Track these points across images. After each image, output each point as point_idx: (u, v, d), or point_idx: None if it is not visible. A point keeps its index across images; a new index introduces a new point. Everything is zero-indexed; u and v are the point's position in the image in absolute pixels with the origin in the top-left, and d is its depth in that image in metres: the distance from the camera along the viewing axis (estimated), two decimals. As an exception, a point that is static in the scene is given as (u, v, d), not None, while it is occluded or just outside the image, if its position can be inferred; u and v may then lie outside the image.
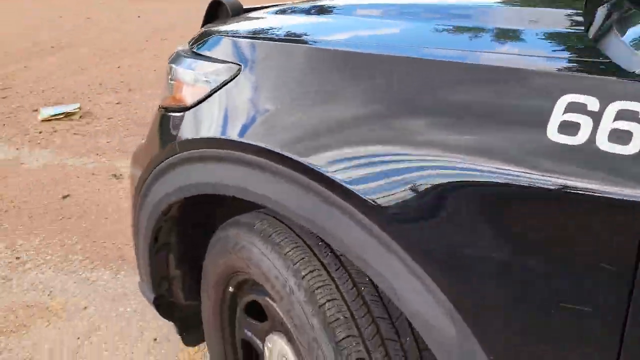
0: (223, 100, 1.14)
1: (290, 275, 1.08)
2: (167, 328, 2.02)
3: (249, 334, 1.41)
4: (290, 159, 0.95)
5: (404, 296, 0.88)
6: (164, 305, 1.58)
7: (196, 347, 1.92)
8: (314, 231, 0.99)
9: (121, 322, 2.06)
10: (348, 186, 0.87)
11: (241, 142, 1.04)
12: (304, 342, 1.06)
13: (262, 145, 0.99)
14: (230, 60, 1.16)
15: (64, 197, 2.99)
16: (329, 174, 0.89)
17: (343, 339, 1.02)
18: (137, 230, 1.49)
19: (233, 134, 1.07)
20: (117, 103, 4.46)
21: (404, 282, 0.87)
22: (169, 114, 1.31)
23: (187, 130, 1.21)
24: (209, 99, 1.17)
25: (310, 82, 0.98)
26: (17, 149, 3.61)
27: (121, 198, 2.99)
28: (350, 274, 1.08)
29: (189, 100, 1.24)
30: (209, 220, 1.53)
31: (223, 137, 1.09)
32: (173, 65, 1.34)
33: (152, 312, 2.01)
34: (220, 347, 1.52)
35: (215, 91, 1.17)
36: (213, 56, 1.23)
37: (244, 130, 1.05)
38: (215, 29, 1.32)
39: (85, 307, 2.14)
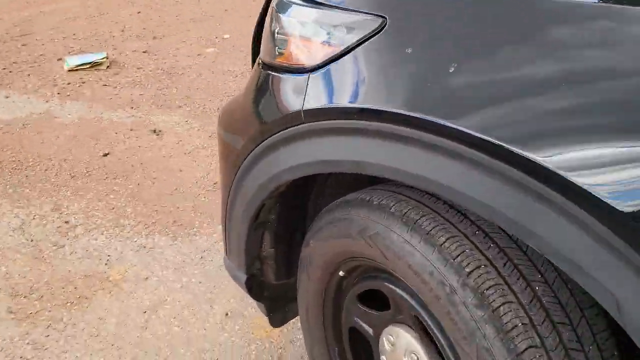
0: (368, 60, 0.94)
1: (450, 272, 0.92)
2: (237, 301, 1.89)
3: (360, 322, 1.27)
4: (485, 141, 0.76)
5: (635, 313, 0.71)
6: (255, 286, 1.43)
7: (273, 324, 1.79)
8: (501, 225, 0.82)
9: (187, 294, 1.93)
10: (580, 184, 0.69)
11: (407, 115, 0.85)
12: (470, 351, 0.91)
13: (446, 122, 0.80)
14: (370, 11, 0.95)
15: (105, 154, 2.81)
16: (546, 164, 0.71)
17: (525, 350, 0.86)
18: (231, 206, 1.32)
19: (391, 104, 0.88)
20: (144, 52, 4.20)
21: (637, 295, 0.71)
22: (281, 75, 1.11)
23: (317, 96, 1.01)
24: (345, 58, 0.97)
25: (514, 40, 0.77)
26: (47, 101, 3.40)
27: (164, 157, 2.81)
28: (520, 271, 0.92)
29: (311, 59, 1.04)
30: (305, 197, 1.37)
31: (374, 107, 0.90)
32: (282, 16, 1.13)
33: (219, 283, 1.88)
34: (320, 332, 1.38)
35: (352, 49, 0.96)
36: (342, 6, 1.01)
37: (410, 100, 0.86)
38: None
39: (147, 278, 2.01)
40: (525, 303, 0.89)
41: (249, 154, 1.18)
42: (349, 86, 0.97)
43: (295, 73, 1.07)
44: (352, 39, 0.97)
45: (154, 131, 3.05)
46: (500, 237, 0.95)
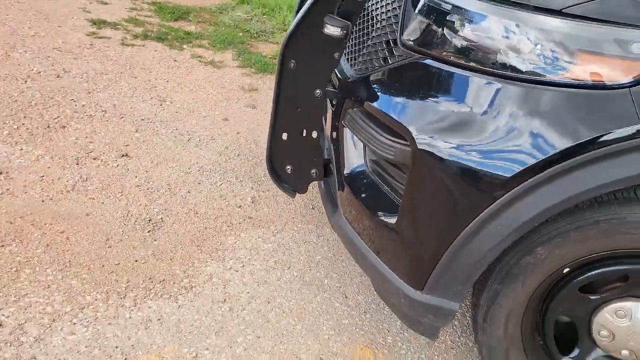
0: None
1: None
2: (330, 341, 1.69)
3: (570, 310, 1.39)
4: None
5: None
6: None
7: None
8: None
9: (262, 355, 1.61)
10: None
11: None
12: None
13: None
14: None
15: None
16: None
17: None
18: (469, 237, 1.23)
19: None
20: None
21: None
22: (569, 90, 1.12)
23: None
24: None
25: None
26: None
27: (44, 201, 2.07)
28: None
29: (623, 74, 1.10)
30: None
31: None
32: (564, 32, 1.12)
33: (281, 332, 1.68)
34: (518, 333, 1.43)
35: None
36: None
37: None
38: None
39: (196, 356, 1.57)
40: None
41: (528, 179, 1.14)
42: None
43: (595, 89, 1.11)
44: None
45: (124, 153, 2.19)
46: None
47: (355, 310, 1.85)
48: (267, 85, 3.50)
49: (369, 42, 1.62)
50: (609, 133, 1.11)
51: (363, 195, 1.49)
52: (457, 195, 1.25)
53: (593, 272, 1.34)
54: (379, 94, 1.45)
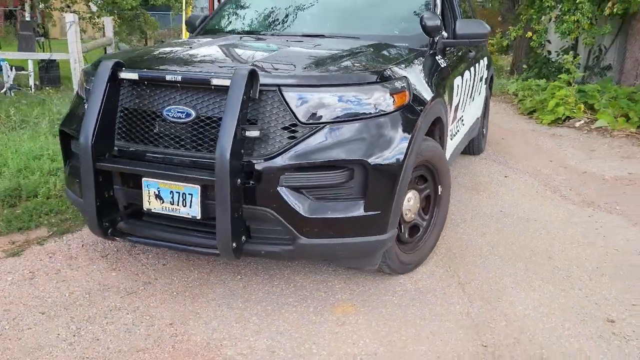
0: None
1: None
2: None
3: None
4: None
5: None
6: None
7: None
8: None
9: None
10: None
11: None
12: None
13: None
14: None
15: None
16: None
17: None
18: None
19: None
20: None
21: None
22: None
23: None
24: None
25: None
26: None
27: None
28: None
29: None
30: None
31: None
32: None
33: None
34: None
35: None
36: None
37: None
38: None
39: None
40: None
41: None
42: None
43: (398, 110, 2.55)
44: None
45: None
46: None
47: (300, 292, 2.74)
48: None
49: (258, 135, 2.41)
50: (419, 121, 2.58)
51: (329, 213, 2.43)
52: (390, 177, 2.47)
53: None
54: (311, 154, 2.36)
